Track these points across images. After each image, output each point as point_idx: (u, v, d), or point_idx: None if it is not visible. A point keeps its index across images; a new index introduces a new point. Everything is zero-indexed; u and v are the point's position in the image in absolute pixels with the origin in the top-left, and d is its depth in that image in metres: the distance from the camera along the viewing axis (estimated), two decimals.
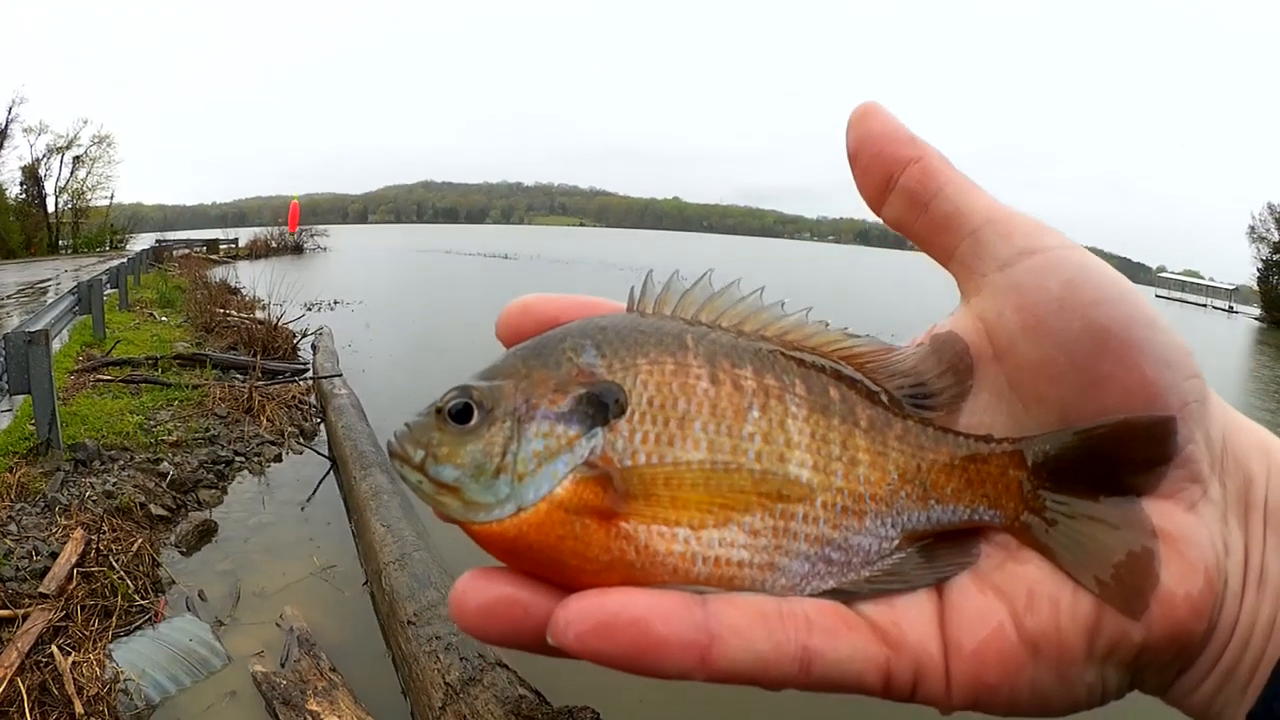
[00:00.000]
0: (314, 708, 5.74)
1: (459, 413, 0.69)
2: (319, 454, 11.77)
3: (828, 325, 0.76)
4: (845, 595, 0.68)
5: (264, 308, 20.95)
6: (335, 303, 28.95)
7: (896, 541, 0.70)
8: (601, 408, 0.68)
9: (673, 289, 0.75)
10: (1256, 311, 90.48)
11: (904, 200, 0.73)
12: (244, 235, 67.78)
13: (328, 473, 11.04)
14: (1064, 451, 0.69)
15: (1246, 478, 0.68)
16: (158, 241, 61.10)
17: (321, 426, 13.18)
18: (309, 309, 24.19)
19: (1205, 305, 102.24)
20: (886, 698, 0.67)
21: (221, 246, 61.75)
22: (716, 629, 0.62)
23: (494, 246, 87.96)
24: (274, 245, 62.05)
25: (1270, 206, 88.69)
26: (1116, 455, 0.67)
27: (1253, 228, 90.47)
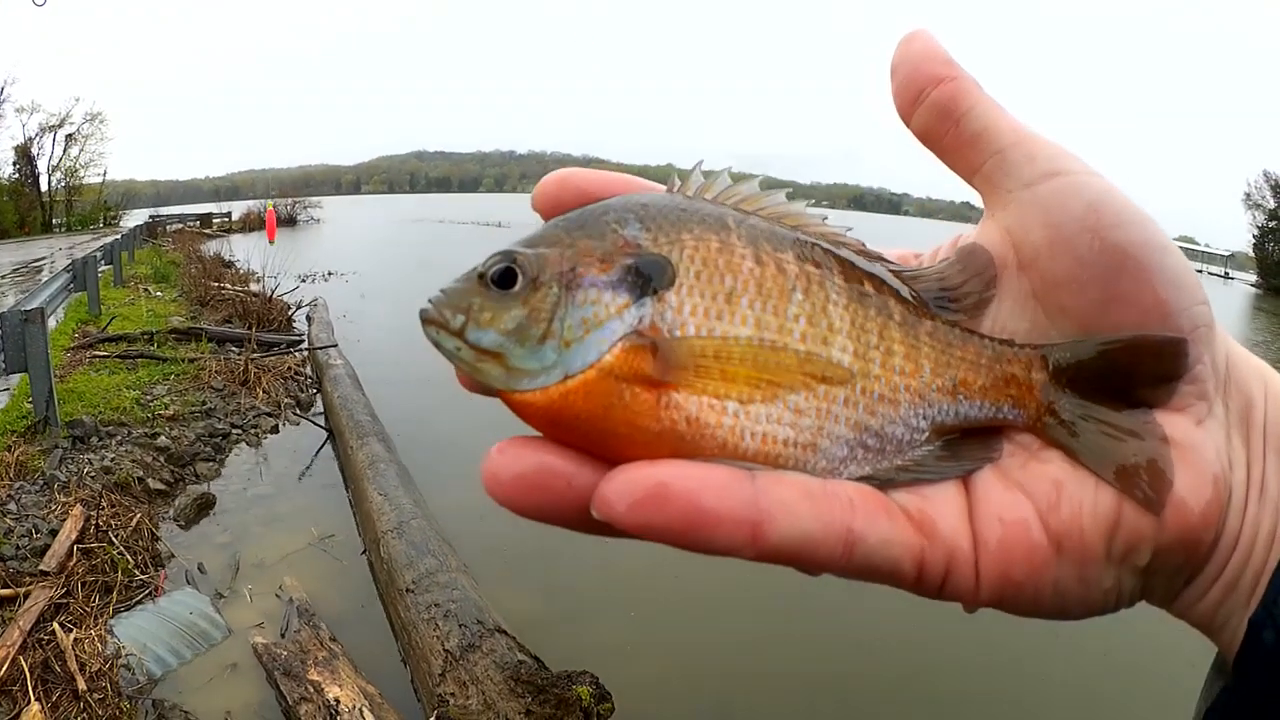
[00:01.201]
0: (315, 678, 5.74)
1: (502, 277, 0.68)
2: (315, 424, 11.75)
3: (864, 245, 0.77)
4: (879, 482, 0.69)
5: (258, 280, 20.88)
6: (330, 274, 28.77)
7: (926, 434, 0.72)
8: (649, 279, 0.67)
9: (719, 180, 0.75)
10: (1253, 278, 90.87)
11: (933, 113, 0.75)
12: (237, 209, 67.61)
13: (324, 443, 11.04)
14: (1084, 360, 0.71)
15: (1248, 400, 0.71)
16: (151, 217, 60.48)
17: (318, 397, 13.15)
18: (303, 281, 23.87)
19: (1201, 271, 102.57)
20: (916, 590, 0.68)
21: (215, 220, 61.31)
22: (767, 505, 0.62)
23: (487, 215, 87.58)
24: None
25: (1266, 174, 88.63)
26: (1132, 368, 0.69)
27: (1248, 194, 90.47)
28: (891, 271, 0.75)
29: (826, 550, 0.63)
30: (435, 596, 6.35)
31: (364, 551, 8.00)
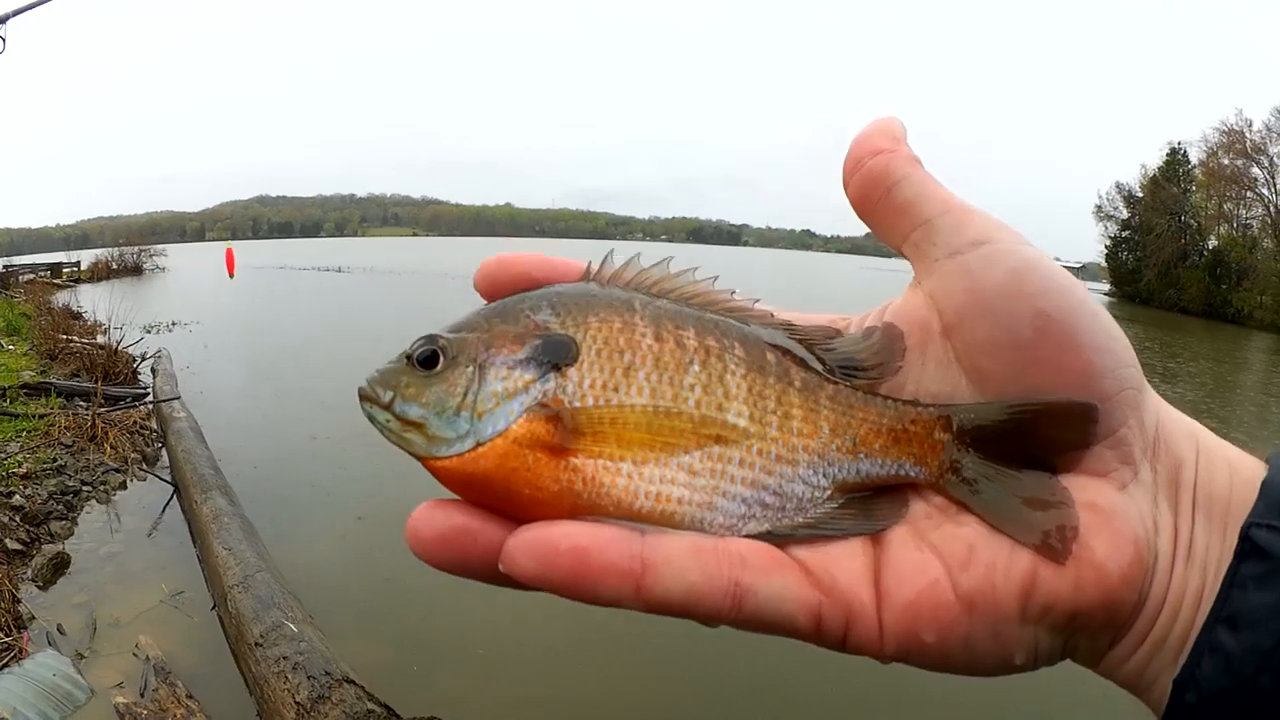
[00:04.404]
0: None
1: (426, 359, 0.71)
2: (161, 479, 11.21)
3: (773, 314, 0.79)
4: (779, 538, 0.69)
5: (105, 332, 20.02)
6: (173, 324, 27.19)
7: (829, 491, 0.72)
8: (555, 356, 0.70)
9: (630, 265, 0.77)
10: (1106, 287, 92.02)
11: (867, 182, 0.75)
12: (87, 257, 64.21)
13: (171, 498, 10.53)
14: (989, 421, 0.71)
15: (1177, 461, 0.70)
16: (4, 267, 56.69)
17: (163, 451, 12.54)
18: (148, 331, 22.84)
19: None
20: (818, 642, 0.67)
21: (64, 270, 57.49)
22: (651, 559, 0.63)
23: (327, 260, 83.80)
24: (114, 267, 58.84)
25: (1119, 185, 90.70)
26: (1038, 432, 0.69)
27: (1100, 206, 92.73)
28: (801, 339, 0.77)
29: (712, 602, 0.64)
30: (283, 649, 6.19)
31: (214, 607, 7.71)
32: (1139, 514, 0.67)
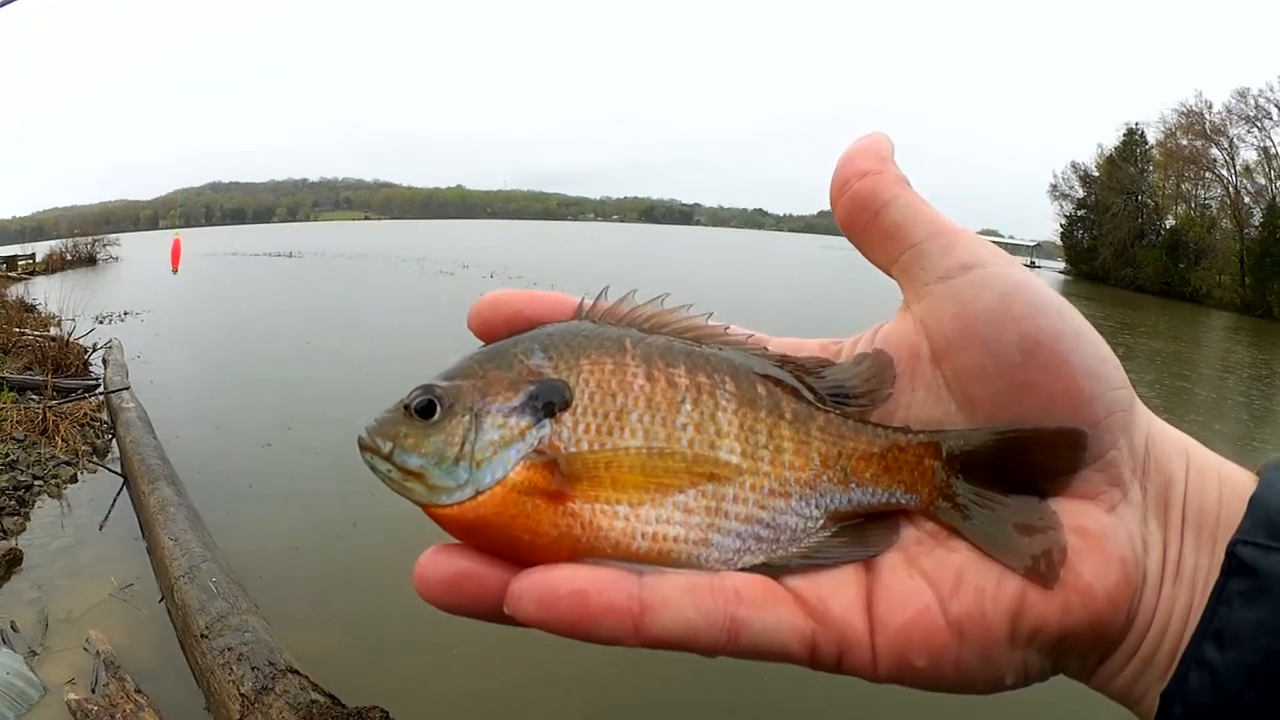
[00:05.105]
0: None
1: (423, 408, 0.70)
2: (111, 471, 11.12)
3: (767, 349, 0.78)
4: (774, 570, 0.69)
5: (57, 324, 19.66)
6: (125, 314, 26.37)
7: (821, 521, 0.71)
8: (549, 402, 0.70)
9: (625, 301, 0.77)
10: (1061, 265, 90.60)
11: (854, 204, 0.74)
12: (41, 249, 62.34)
13: (121, 489, 10.42)
14: (978, 448, 0.70)
15: (1167, 478, 0.69)
16: None
17: (114, 442, 12.38)
18: (100, 321, 22.35)
19: None
20: (813, 668, 0.67)
21: (20, 263, 56.03)
22: (649, 599, 0.63)
23: (280, 245, 79.85)
24: (69, 258, 56.94)
25: (1075, 165, 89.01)
26: (1026, 459, 0.68)
27: (1055, 185, 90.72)
28: (792, 370, 0.76)
29: (709, 638, 0.64)
30: (228, 640, 6.19)
31: (161, 599, 7.62)
32: (1127, 535, 0.66)
